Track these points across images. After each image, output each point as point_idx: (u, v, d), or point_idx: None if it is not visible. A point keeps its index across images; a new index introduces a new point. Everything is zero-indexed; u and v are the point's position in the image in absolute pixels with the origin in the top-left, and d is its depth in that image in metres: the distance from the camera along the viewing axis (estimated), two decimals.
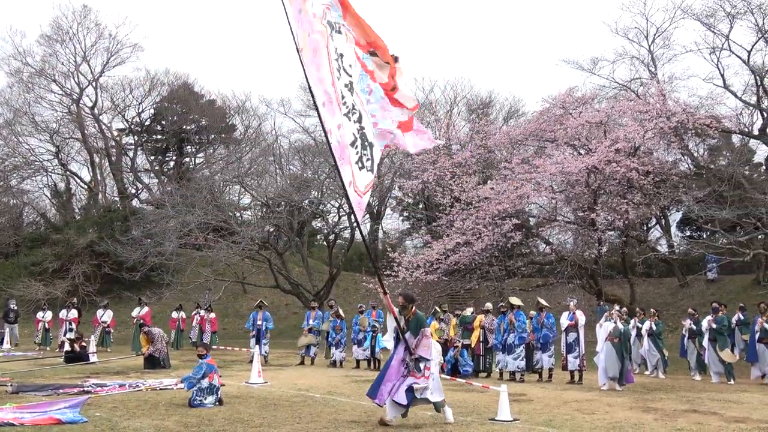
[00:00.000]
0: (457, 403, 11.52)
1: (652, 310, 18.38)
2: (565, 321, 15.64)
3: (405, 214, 40.14)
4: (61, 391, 12.26)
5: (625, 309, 17.36)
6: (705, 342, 16.35)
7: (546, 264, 30.23)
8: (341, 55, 8.25)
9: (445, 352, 16.63)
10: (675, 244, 32.55)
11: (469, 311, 17.38)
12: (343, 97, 7.98)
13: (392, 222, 42.61)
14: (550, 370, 15.74)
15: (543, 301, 16.16)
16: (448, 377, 14.25)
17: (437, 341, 16.76)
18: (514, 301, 16.26)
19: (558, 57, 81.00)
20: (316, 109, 7.66)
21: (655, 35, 30.06)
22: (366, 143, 8.20)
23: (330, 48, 7.98)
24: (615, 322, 14.42)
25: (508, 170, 26.07)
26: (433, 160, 28.42)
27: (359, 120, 8.23)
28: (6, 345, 24.79)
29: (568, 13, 73.89)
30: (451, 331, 17.41)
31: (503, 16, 74.99)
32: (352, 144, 8.00)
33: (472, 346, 16.65)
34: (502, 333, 15.88)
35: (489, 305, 17.65)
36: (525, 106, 44.17)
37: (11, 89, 43.04)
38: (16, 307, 26.57)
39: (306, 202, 32.13)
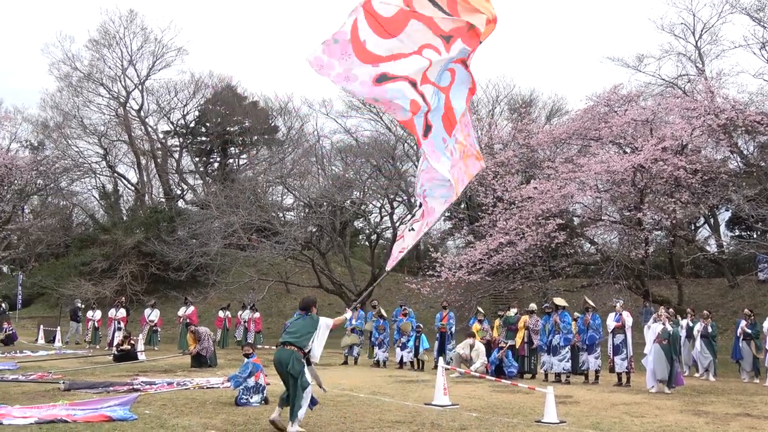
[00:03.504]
0: (503, 405, 11.45)
1: (705, 312, 17.95)
2: (611, 322, 15.41)
3: (446, 214, 39.97)
4: (111, 388, 12.50)
5: (671, 310, 17.03)
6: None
7: (591, 264, 29.84)
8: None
9: (488, 353, 16.57)
10: (724, 243, 31.85)
11: (512, 312, 17.23)
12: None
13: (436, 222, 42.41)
14: (597, 371, 15.51)
15: (589, 302, 15.95)
16: (493, 378, 14.14)
17: (480, 342, 16.80)
18: (559, 301, 16.06)
19: (602, 54, 79.78)
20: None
21: (702, 31, 29.50)
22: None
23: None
24: (664, 324, 14.15)
25: (552, 169, 25.80)
26: None
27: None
28: (58, 343, 25.43)
29: (613, 9, 72.82)
30: (495, 332, 17.32)
31: (546, 13, 74.28)
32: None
33: (517, 347, 16.51)
34: (547, 334, 15.70)
35: (533, 306, 17.49)
36: (568, 105, 43.64)
37: (61, 93, 44.18)
38: (83, 306, 27.23)
39: (348, 202, 32.27)
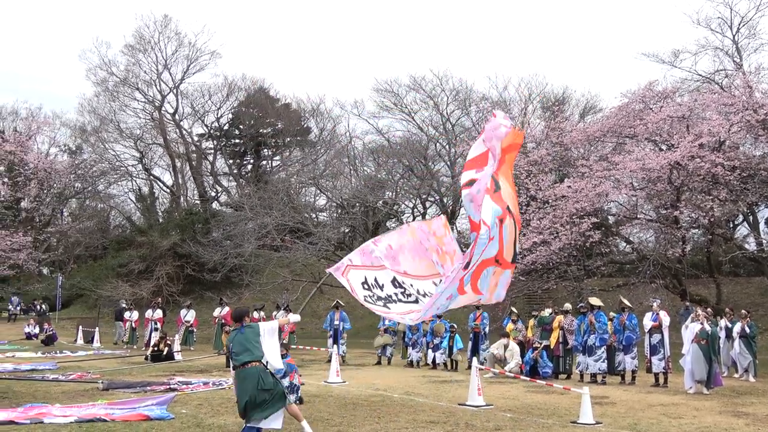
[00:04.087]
0: (537, 405, 11.37)
1: (743, 311, 17.60)
2: (648, 322, 15.19)
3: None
4: (148, 388, 12.70)
5: (710, 309, 16.73)
6: None
7: (627, 263, 29.46)
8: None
9: (522, 353, 16.46)
10: (764, 241, 31.11)
11: (547, 312, 17.08)
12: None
13: (466, 221, 42.30)
14: (633, 372, 15.30)
15: (626, 302, 15.74)
16: (528, 378, 14.05)
17: (514, 342, 16.69)
18: (594, 301, 15.87)
19: (636, 50, 78.76)
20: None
21: (739, 25, 28.85)
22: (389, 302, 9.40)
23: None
24: (702, 324, 13.91)
25: (586, 168, 25.50)
26: None
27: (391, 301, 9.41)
28: (96, 343, 25.87)
29: (647, 5, 71.82)
30: (529, 332, 17.20)
31: (578, 9, 73.55)
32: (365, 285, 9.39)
33: (551, 347, 16.37)
34: (583, 334, 15.53)
35: (568, 306, 17.32)
36: (602, 102, 43.11)
37: (98, 98, 44.95)
38: (128, 307, 27.68)
39: (380, 202, 32.34)
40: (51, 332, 26.65)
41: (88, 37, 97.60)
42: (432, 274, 9.68)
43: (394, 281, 9.59)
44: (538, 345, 16.23)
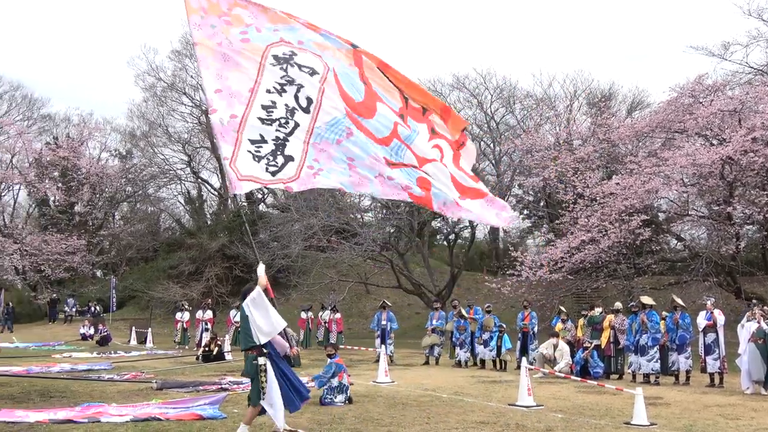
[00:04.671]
0: (589, 406, 11.23)
1: None
2: (702, 321, 14.87)
3: (525, 212, 39.44)
4: (201, 388, 12.90)
5: (766, 308, 16.27)
6: None
7: (678, 261, 28.87)
8: (300, 86, 8.80)
9: (572, 353, 16.27)
10: None
11: (597, 311, 16.85)
12: (269, 108, 8.58)
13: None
14: (688, 372, 15.00)
15: (678, 300, 15.43)
16: (579, 379, 13.88)
17: (563, 341, 16.51)
18: (646, 300, 15.61)
19: (685, 43, 77.12)
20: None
21: None
22: (280, 153, 8.52)
23: (268, 67, 8.73)
24: (759, 323, 13.56)
25: (634, 164, 25.10)
26: (554, 156, 27.81)
27: (290, 133, 8.62)
28: (149, 344, 26.41)
29: None
30: (579, 332, 16.99)
31: (625, 3, 72.30)
32: (254, 141, 8.42)
33: (602, 346, 16.14)
34: (634, 334, 15.28)
35: (619, 305, 17.08)
36: (650, 97, 42.32)
37: (146, 103, 45.88)
38: (189, 308, 28.22)
39: None
40: (105, 333, 27.31)
41: (136, 44, 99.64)
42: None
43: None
44: (589, 345, 16.02)
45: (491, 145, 37.40)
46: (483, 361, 18.16)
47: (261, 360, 8.21)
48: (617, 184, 24.75)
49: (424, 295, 30.92)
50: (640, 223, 23.98)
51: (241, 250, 32.83)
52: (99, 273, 44.54)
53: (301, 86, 8.81)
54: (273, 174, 8.33)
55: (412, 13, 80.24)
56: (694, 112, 24.92)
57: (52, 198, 41.07)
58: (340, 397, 11.21)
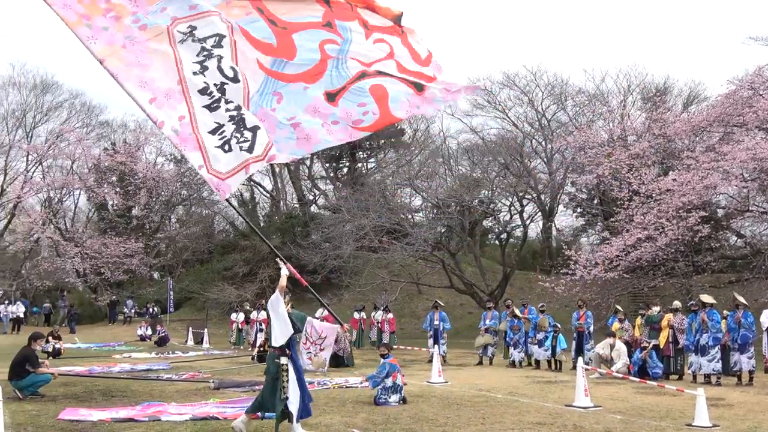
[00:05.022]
0: (649, 407, 11.00)
1: None
2: (765, 320, 14.46)
3: (579, 210, 38.86)
4: (256, 387, 13.03)
5: None
6: None
7: (739, 258, 28.07)
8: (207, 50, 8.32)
9: (629, 353, 15.95)
10: None
11: (655, 310, 16.49)
12: (206, 90, 8.13)
13: (566, 219, 41.39)
14: (751, 372, 14.55)
15: (740, 298, 14.99)
16: (637, 379, 13.60)
17: (620, 341, 16.20)
18: (706, 299, 15.20)
19: (744, 34, 74.73)
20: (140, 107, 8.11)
21: None
22: (243, 127, 8.12)
23: (179, 47, 8.21)
24: None
25: (692, 159, 24.52)
26: (608, 153, 27.34)
27: (237, 109, 8.22)
28: (206, 344, 26.88)
29: None
30: (636, 332, 16.66)
31: None
32: (214, 131, 8.04)
33: (661, 346, 15.78)
34: (694, 333, 14.90)
35: (677, 303, 16.68)
36: (707, 90, 41.06)
37: None
38: (251, 309, 28.68)
39: (476, 201, 32.07)
40: (163, 334, 27.90)
41: None
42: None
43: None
44: (647, 344, 15.68)
45: (543, 143, 36.96)
46: (538, 362, 17.94)
47: (283, 360, 8.35)
48: (674, 180, 24.22)
49: (477, 295, 30.73)
50: (699, 220, 23.42)
51: (293, 251, 33.12)
52: (156, 275, 45.52)
53: (221, 57, 8.34)
54: (249, 150, 7.99)
55: (461, 11, 79.90)
56: (754, 104, 24.23)
57: (110, 202, 42.21)
58: (394, 397, 11.22)
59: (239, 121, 8.12)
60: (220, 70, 8.25)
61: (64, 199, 43.63)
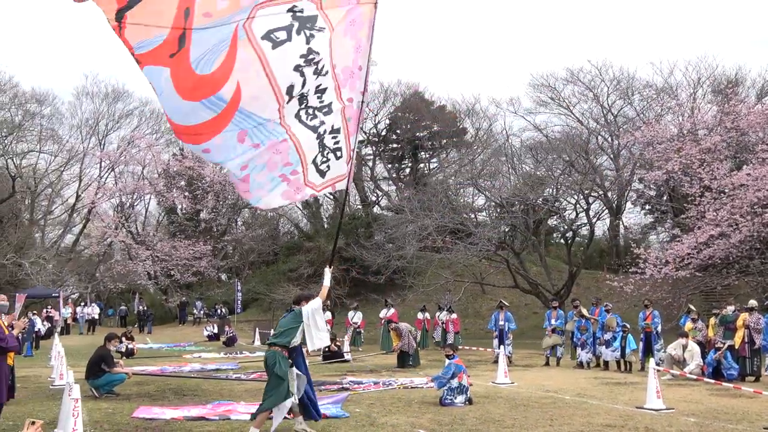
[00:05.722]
0: (724, 409, 10.63)
1: None
2: None
3: (647, 207, 37.91)
4: (323, 387, 13.20)
5: None
6: None
7: None
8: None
9: (702, 354, 15.46)
10: None
11: (730, 309, 15.92)
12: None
13: (634, 216, 40.48)
14: None
15: None
16: (712, 381, 13.17)
17: (693, 341, 15.71)
18: None
19: None
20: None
21: None
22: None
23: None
24: None
25: (767, 153, 23.59)
26: (678, 148, 26.58)
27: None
28: None
29: None
30: (710, 332, 16.13)
31: None
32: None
33: (736, 347, 15.23)
34: None
35: (753, 302, 16.05)
36: None
37: None
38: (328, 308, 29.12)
39: (541, 200, 31.62)
40: (232, 334, 28.44)
41: None
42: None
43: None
44: (722, 345, 15.16)
45: (609, 139, 36.24)
46: (606, 363, 17.55)
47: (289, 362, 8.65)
48: (748, 174, 23.38)
49: (542, 295, 30.29)
50: None
51: (357, 253, 33.34)
52: (224, 277, 46.49)
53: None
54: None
55: (522, 9, 78.99)
56: None
57: (179, 206, 43.38)
58: (460, 398, 11.16)
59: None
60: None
61: (135, 204, 45.10)
